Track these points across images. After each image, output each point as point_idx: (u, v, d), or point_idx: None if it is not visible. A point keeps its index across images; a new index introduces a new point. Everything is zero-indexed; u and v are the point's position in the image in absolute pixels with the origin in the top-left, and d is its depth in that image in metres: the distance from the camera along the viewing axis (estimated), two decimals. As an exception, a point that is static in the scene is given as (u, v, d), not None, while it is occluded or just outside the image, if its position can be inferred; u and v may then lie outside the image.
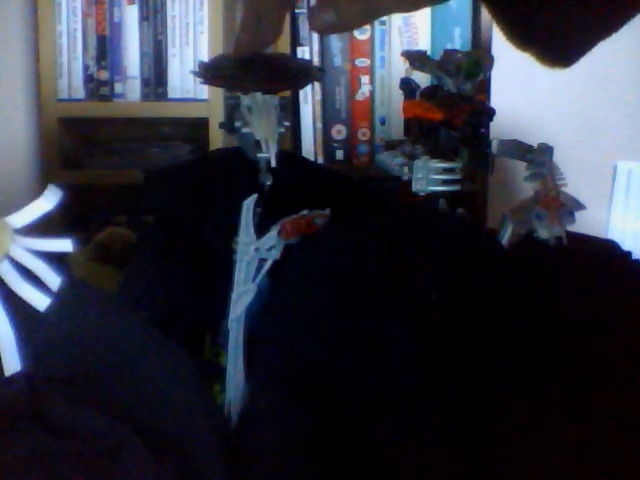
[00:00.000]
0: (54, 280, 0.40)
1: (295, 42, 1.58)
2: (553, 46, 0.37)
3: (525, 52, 0.38)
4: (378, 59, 1.60)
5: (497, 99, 1.50)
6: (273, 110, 0.52)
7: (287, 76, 0.53)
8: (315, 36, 1.59)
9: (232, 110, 0.53)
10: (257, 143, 0.51)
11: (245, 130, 0.52)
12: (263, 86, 0.51)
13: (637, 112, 1.75)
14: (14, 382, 0.40)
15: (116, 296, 0.55)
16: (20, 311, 0.40)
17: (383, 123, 1.61)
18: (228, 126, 0.53)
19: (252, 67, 0.50)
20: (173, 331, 0.51)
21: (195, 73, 0.52)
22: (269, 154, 0.51)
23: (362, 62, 1.60)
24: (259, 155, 0.51)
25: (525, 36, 0.37)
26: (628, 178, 1.76)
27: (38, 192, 0.40)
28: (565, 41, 0.37)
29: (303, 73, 0.54)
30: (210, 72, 0.52)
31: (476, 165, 0.57)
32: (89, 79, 1.62)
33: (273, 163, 0.51)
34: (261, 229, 0.49)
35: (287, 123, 0.53)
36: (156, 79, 1.62)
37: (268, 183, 0.52)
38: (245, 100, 0.52)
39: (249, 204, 0.49)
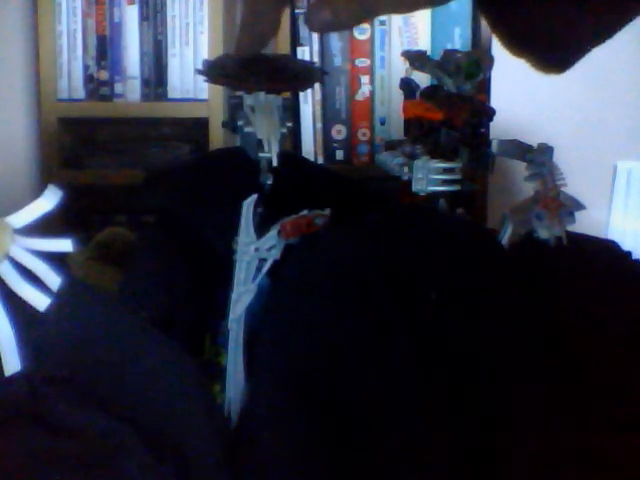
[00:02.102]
0: (54, 280, 0.40)
1: (295, 42, 1.58)
2: (548, 52, 0.37)
3: (520, 58, 0.38)
4: (378, 59, 1.60)
5: (497, 99, 1.50)
6: (276, 110, 0.52)
7: (288, 77, 0.53)
8: (315, 36, 1.59)
9: (234, 109, 0.53)
10: (259, 143, 0.51)
11: (247, 129, 0.52)
12: (264, 86, 0.51)
13: (637, 112, 1.75)
14: (14, 382, 0.40)
15: (116, 296, 0.55)
16: (20, 311, 0.40)
17: (383, 123, 1.61)
18: (230, 125, 0.53)
19: (254, 67, 0.50)
20: (173, 331, 0.51)
21: (199, 71, 0.52)
22: (271, 154, 0.51)
23: (362, 62, 1.60)
24: (260, 155, 0.51)
25: (520, 42, 0.37)
26: (628, 178, 1.76)
27: (38, 192, 0.40)
28: (560, 47, 0.37)
29: (304, 74, 0.54)
30: (214, 71, 0.52)
31: (476, 165, 0.57)
32: (89, 79, 1.62)
33: (274, 163, 0.51)
34: (261, 229, 0.49)
35: (289, 124, 0.53)
36: (156, 79, 1.62)
37: (269, 183, 0.52)
38: (248, 100, 0.52)
39: (249, 204, 0.49)
